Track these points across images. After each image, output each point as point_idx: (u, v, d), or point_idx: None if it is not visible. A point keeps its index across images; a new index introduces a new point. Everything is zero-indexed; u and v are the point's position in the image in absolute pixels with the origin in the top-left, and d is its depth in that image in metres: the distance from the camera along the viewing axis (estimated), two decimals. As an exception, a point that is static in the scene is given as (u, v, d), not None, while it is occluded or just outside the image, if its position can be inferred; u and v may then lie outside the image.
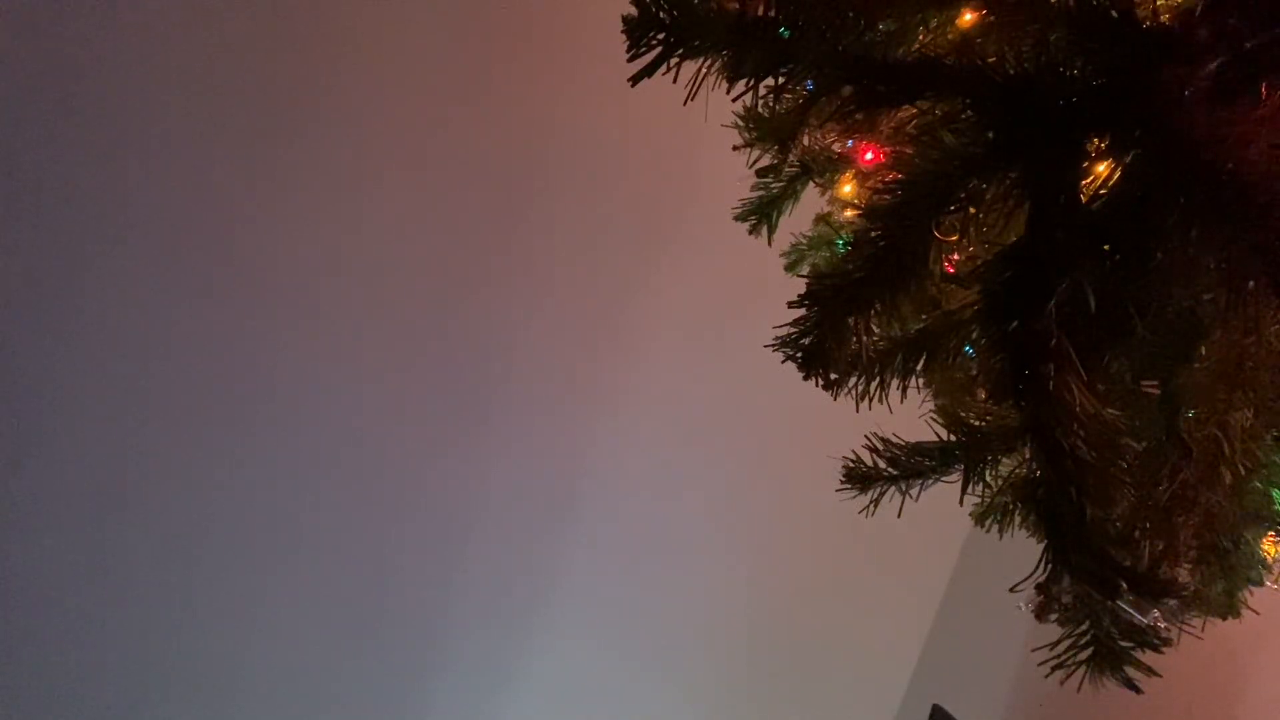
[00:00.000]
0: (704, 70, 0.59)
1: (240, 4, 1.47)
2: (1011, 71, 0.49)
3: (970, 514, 0.79)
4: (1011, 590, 0.56)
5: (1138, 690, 0.55)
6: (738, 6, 0.56)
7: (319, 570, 1.72)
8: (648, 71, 0.58)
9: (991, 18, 0.57)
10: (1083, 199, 0.50)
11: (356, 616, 1.75)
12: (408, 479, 1.73)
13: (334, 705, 1.78)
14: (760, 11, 0.55)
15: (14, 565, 1.52)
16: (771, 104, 0.79)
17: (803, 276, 1.05)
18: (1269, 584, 0.81)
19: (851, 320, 0.54)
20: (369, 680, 1.79)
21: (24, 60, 1.36)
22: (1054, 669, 0.53)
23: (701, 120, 0.76)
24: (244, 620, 1.71)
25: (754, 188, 1.00)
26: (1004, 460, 0.66)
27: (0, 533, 1.50)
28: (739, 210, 1.01)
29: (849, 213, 0.98)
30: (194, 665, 1.69)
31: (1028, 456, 0.52)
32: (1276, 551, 0.78)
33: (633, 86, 0.60)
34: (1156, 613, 0.61)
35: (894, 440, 0.70)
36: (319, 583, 1.73)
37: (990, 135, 0.50)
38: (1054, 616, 0.55)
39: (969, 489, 0.65)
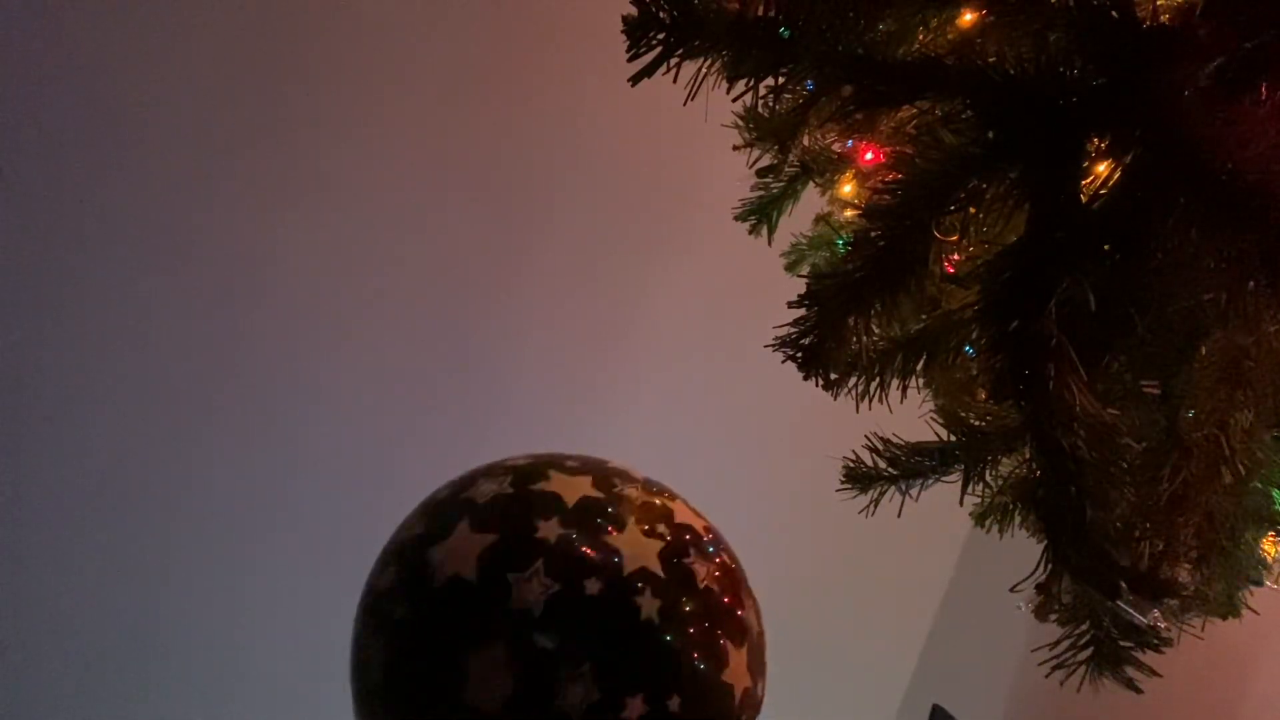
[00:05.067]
0: (704, 70, 0.59)
1: (242, 2, 1.47)
2: (1011, 71, 0.49)
3: (970, 514, 0.79)
4: (1011, 590, 0.56)
5: (1138, 690, 0.55)
6: (738, 6, 0.56)
7: (325, 576, 1.72)
8: (648, 71, 0.58)
9: (991, 18, 0.57)
10: (1083, 199, 0.50)
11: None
12: (413, 485, 1.72)
13: (337, 709, 1.78)
14: (760, 11, 0.55)
15: (15, 566, 1.52)
16: (771, 104, 0.79)
17: (803, 276, 1.05)
18: (1269, 584, 0.81)
19: (851, 320, 0.54)
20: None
21: (22, 59, 1.37)
22: (1054, 669, 0.53)
23: (701, 120, 0.76)
24: (248, 623, 1.71)
25: (754, 188, 1.00)
26: (1004, 460, 0.67)
27: (2, 533, 1.51)
28: (739, 210, 1.02)
29: (849, 213, 0.98)
30: (196, 666, 1.69)
31: (1028, 456, 0.52)
32: (1276, 551, 0.78)
33: (633, 86, 0.60)
34: (1156, 613, 0.61)
35: (894, 440, 0.71)
36: (325, 589, 1.72)
37: (990, 135, 0.50)
38: (1054, 616, 0.56)
39: (969, 489, 0.65)
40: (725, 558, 0.68)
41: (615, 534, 0.63)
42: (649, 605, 0.60)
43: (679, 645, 0.60)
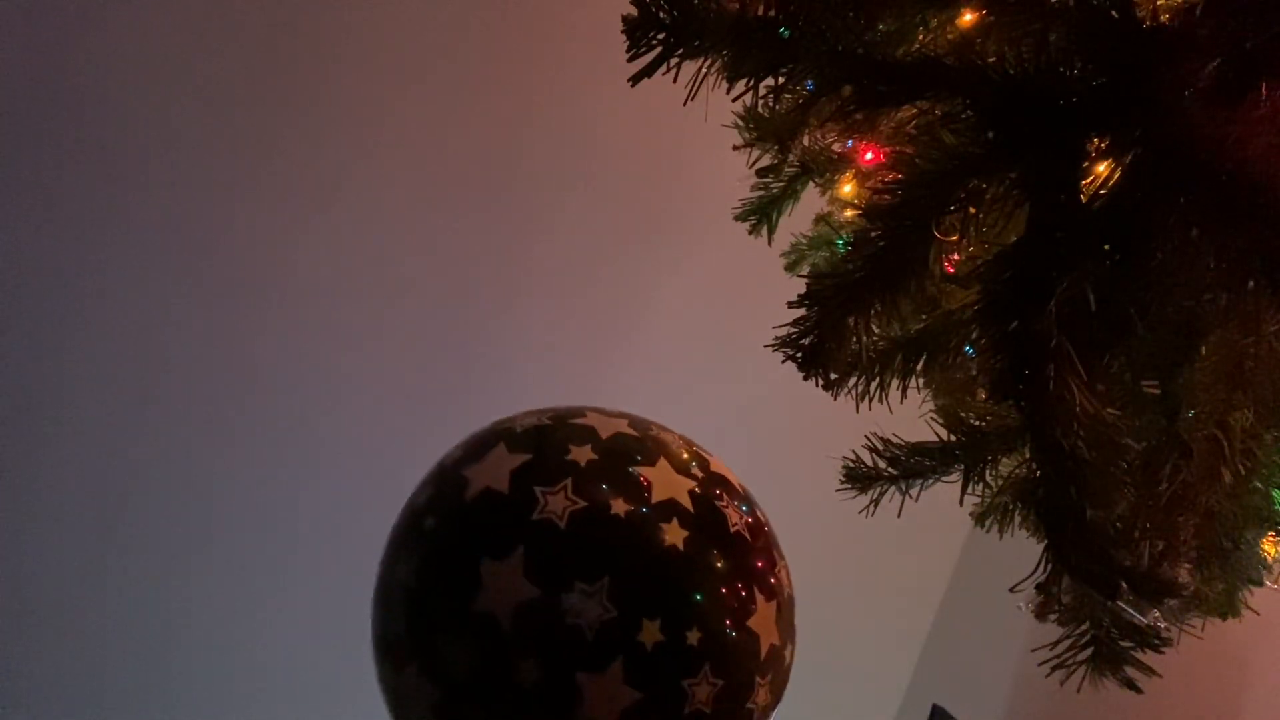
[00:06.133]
0: (704, 70, 0.59)
1: (241, 1, 1.47)
2: (1011, 71, 0.49)
3: (970, 514, 0.79)
4: (1011, 590, 0.56)
5: (1138, 690, 0.55)
6: (738, 6, 0.56)
7: (325, 578, 1.72)
8: (648, 71, 0.58)
9: (991, 18, 0.57)
10: (1083, 199, 0.50)
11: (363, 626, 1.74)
12: (413, 483, 1.72)
13: (338, 708, 1.78)
14: (760, 11, 0.55)
15: (15, 567, 1.52)
16: (771, 104, 0.79)
17: (803, 276, 1.05)
18: (1269, 584, 0.81)
19: (851, 320, 0.54)
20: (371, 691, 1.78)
21: (20, 58, 1.36)
22: (1054, 669, 0.53)
23: (702, 120, 0.76)
24: (247, 626, 1.71)
25: (754, 188, 1.00)
26: (1004, 460, 0.67)
27: (2, 533, 1.50)
28: (739, 210, 1.02)
29: (849, 213, 0.98)
30: (197, 668, 1.69)
31: (1028, 456, 0.52)
32: (1276, 551, 0.78)
33: (633, 86, 0.60)
34: (1156, 613, 0.61)
35: (894, 440, 0.71)
36: (325, 591, 1.72)
37: (990, 135, 0.50)
38: (1054, 616, 0.55)
39: (969, 489, 0.65)
40: (760, 516, 0.68)
41: (646, 466, 0.64)
42: (674, 534, 0.60)
43: (702, 579, 0.61)
